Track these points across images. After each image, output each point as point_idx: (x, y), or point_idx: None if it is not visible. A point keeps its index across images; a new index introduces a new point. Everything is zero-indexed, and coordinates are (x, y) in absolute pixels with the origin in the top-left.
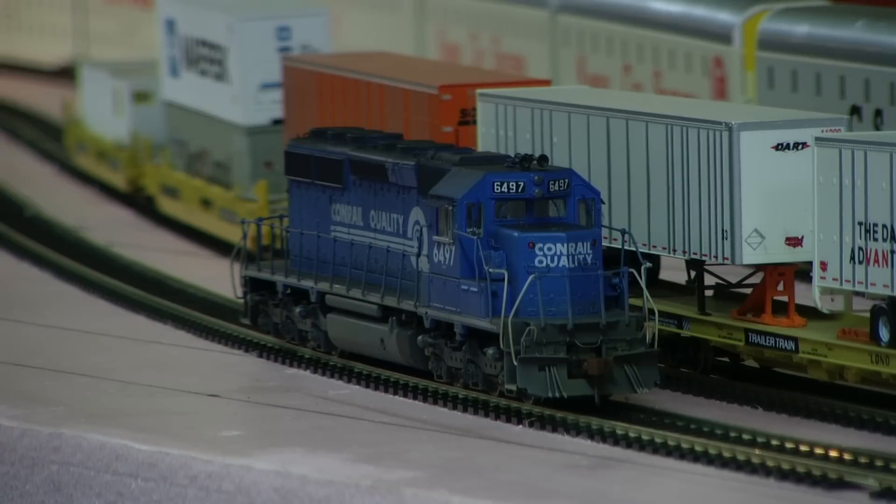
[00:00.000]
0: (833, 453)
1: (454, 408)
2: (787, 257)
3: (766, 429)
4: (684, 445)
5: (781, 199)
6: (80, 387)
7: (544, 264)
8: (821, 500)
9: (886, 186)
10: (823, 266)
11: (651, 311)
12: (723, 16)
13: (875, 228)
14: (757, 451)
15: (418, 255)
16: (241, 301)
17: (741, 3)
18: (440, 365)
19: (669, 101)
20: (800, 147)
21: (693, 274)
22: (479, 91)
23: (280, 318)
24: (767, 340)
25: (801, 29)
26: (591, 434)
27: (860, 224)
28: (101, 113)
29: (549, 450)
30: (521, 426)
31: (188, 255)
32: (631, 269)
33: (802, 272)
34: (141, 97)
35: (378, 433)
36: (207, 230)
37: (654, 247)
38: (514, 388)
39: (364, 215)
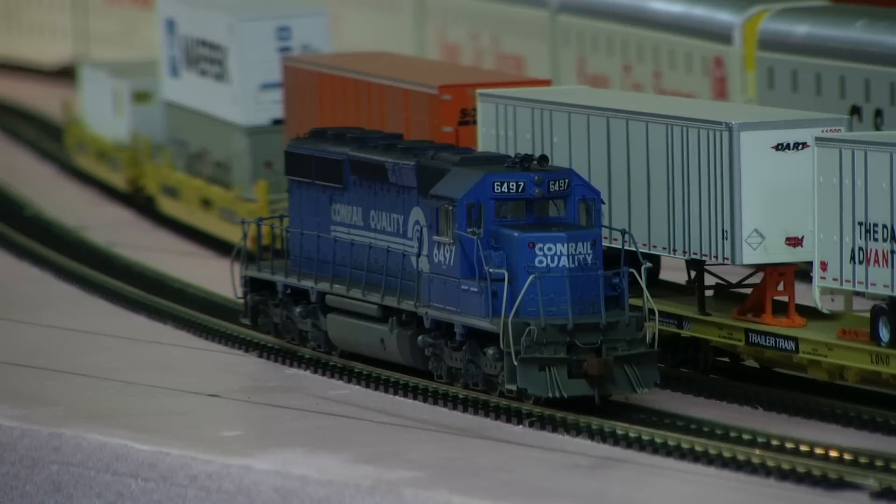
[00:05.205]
0: (833, 453)
1: (454, 408)
2: (787, 257)
3: (766, 429)
4: (684, 445)
5: (781, 199)
6: (80, 387)
7: (544, 264)
8: (821, 500)
9: (886, 186)
10: (823, 266)
11: (651, 311)
12: (723, 16)
13: (875, 228)
14: (757, 451)
15: (418, 255)
16: (241, 301)
17: (741, 3)
18: (440, 365)
19: (669, 101)
20: (800, 147)
21: (693, 274)
22: (479, 91)
23: (280, 318)
24: (767, 340)
25: (801, 29)
26: (591, 434)
27: (860, 224)
28: (101, 113)
29: (549, 450)
30: (521, 426)
31: (188, 255)
32: (631, 269)
33: (802, 272)
34: (141, 97)
35: (378, 433)
36: (207, 230)
37: (655, 247)
38: (514, 388)
39: (364, 215)
